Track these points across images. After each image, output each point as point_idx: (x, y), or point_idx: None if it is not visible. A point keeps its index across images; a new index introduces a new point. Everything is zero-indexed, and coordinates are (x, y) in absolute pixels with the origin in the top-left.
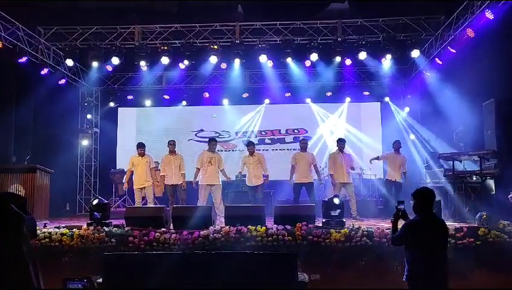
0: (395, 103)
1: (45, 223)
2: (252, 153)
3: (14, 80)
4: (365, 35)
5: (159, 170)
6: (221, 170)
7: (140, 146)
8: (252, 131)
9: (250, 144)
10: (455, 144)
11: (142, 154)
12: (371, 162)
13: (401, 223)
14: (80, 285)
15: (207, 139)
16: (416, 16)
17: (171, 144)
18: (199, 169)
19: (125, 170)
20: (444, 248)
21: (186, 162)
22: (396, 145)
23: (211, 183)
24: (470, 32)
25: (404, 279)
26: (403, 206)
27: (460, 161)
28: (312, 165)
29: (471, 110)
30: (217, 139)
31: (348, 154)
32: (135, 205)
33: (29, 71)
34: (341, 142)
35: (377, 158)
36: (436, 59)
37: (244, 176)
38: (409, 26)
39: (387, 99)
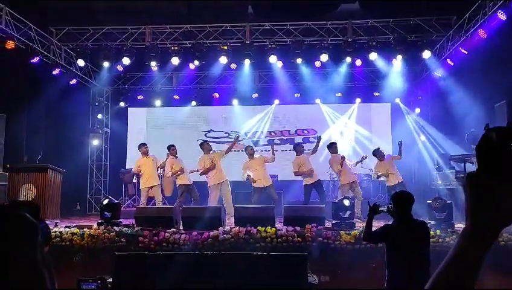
0: (406, 104)
1: (56, 222)
2: (252, 156)
3: (26, 80)
4: (376, 36)
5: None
6: (227, 151)
7: (144, 144)
8: (262, 131)
9: (248, 148)
10: (466, 146)
11: (146, 153)
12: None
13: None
14: (93, 286)
15: (216, 140)
16: (427, 17)
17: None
18: (202, 173)
19: (137, 170)
20: (424, 251)
21: (197, 161)
22: (379, 154)
23: (220, 181)
24: (482, 33)
25: (385, 284)
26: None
27: (472, 163)
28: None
29: (482, 111)
30: (208, 141)
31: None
32: (140, 205)
33: (41, 71)
34: (333, 144)
35: (382, 175)
36: (448, 60)
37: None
38: (420, 26)
39: (397, 100)
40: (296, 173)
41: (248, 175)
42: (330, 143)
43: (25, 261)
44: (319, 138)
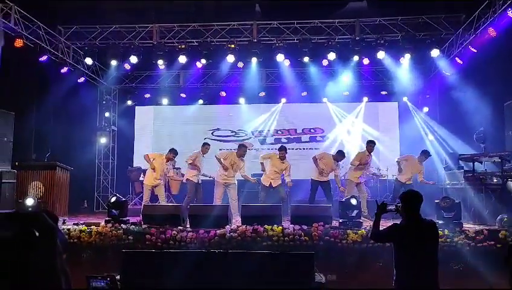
0: (414, 103)
1: (64, 220)
2: (283, 159)
3: (35, 78)
4: (384, 34)
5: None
6: (243, 176)
7: (175, 152)
8: (268, 130)
9: (282, 149)
10: (475, 145)
11: (169, 159)
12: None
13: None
14: (103, 283)
15: (223, 138)
16: (436, 15)
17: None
18: (218, 159)
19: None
20: (432, 250)
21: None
22: (423, 156)
23: (228, 182)
24: (492, 32)
25: (393, 284)
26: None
27: (481, 162)
28: (333, 172)
29: (492, 110)
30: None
31: (371, 157)
32: (143, 203)
33: (50, 69)
34: (372, 144)
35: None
36: (457, 58)
37: (260, 175)
38: (429, 25)
39: (405, 99)
40: (314, 158)
41: (262, 163)
42: (370, 140)
43: (44, 265)
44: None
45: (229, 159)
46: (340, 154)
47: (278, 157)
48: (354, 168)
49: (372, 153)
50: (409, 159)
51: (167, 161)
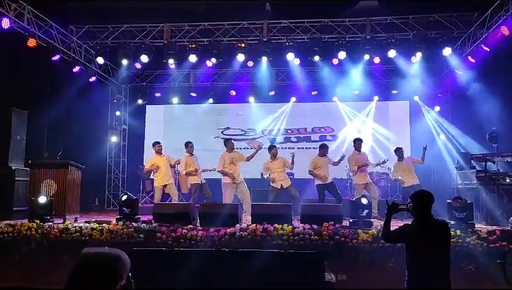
0: (425, 102)
1: (76, 218)
2: (274, 157)
3: (47, 77)
4: (395, 33)
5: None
6: (248, 158)
7: (157, 143)
8: (278, 129)
9: (272, 147)
10: (488, 145)
11: (159, 152)
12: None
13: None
14: None
15: (233, 137)
16: (448, 13)
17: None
18: (222, 171)
19: (147, 168)
20: (444, 251)
21: (213, 159)
22: (399, 154)
23: (235, 181)
24: (505, 30)
25: (405, 285)
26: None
27: (493, 162)
28: (329, 165)
29: (504, 110)
30: (232, 139)
31: (364, 153)
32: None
33: (62, 69)
34: (359, 141)
35: (397, 179)
36: (469, 57)
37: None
38: (441, 23)
39: (416, 98)
40: (310, 172)
41: (269, 175)
42: (356, 138)
43: None
44: (343, 156)
45: (227, 161)
46: (322, 148)
47: (270, 159)
48: (356, 172)
49: (362, 150)
50: (398, 168)
51: (160, 154)
